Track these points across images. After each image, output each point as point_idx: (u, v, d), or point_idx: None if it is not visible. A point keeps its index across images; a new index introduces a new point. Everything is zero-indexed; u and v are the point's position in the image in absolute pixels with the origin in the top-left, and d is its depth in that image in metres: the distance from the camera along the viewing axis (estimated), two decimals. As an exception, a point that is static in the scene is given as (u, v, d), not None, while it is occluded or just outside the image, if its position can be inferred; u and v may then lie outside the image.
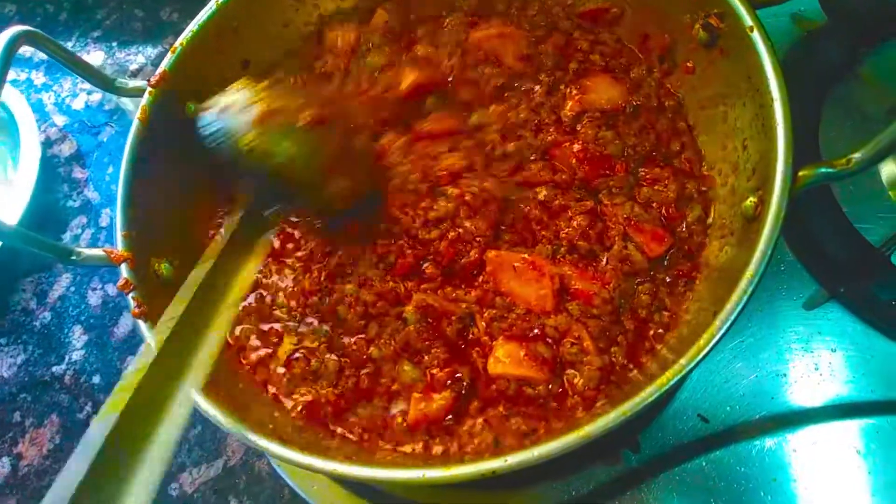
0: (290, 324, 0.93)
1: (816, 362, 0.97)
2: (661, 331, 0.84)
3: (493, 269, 0.89)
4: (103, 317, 1.25)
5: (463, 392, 0.85)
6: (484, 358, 0.86)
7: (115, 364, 1.20)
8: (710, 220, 0.89)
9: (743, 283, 0.71)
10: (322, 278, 0.93)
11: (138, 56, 1.51)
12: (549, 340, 0.85)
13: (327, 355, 0.89)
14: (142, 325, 0.83)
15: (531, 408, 0.83)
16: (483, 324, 0.87)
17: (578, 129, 0.96)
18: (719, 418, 0.96)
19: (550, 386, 0.83)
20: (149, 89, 0.93)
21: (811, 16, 1.14)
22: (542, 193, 0.92)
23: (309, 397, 0.86)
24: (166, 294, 0.89)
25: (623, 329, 0.85)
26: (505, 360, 0.84)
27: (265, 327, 0.93)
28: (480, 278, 0.90)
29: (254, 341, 0.93)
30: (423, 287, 0.90)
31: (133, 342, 1.21)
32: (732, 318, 0.70)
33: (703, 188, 0.91)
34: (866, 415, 0.93)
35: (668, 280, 0.87)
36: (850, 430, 0.93)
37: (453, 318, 0.88)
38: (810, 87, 1.09)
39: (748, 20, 0.82)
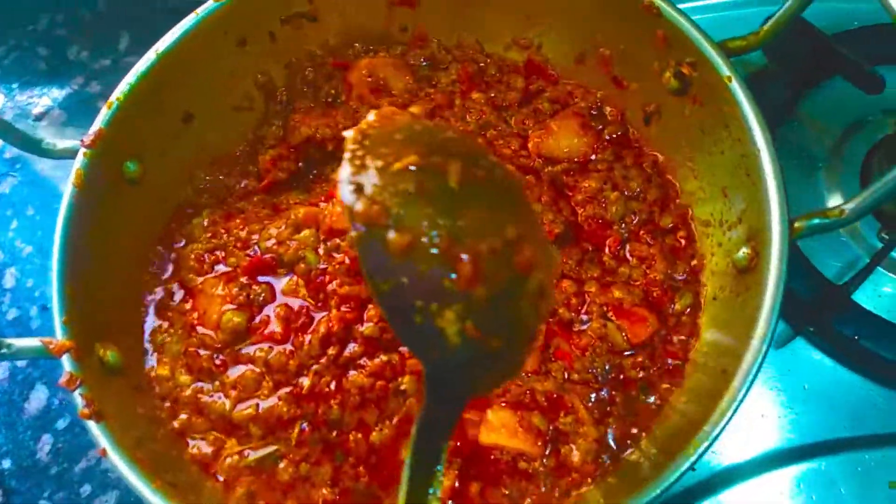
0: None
1: (790, 401, 0.98)
2: (653, 407, 0.82)
3: None
4: (12, 391, 1.11)
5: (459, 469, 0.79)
6: (475, 428, 0.81)
7: (29, 445, 1.06)
8: (702, 303, 0.86)
9: (755, 342, 0.70)
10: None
11: (42, 98, 1.37)
12: (544, 411, 0.81)
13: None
14: (93, 427, 0.72)
15: (531, 485, 0.79)
16: None
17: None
18: (706, 465, 0.94)
19: (545, 461, 0.79)
20: (83, 150, 0.82)
21: (752, 59, 1.17)
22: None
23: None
24: (115, 385, 0.79)
25: (612, 401, 0.82)
26: (500, 429, 0.80)
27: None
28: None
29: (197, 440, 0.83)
30: None
31: (47, 419, 1.08)
32: (751, 377, 0.68)
33: (694, 263, 0.89)
34: (842, 451, 0.95)
35: (657, 360, 0.84)
36: (831, 468, 0.94)
37: None
38: (756, 129, 1.12)
39: (725, 70, 0.83)
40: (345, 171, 0.48)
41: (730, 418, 0.67)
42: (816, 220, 0.75)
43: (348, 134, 0.50)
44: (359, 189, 0.47)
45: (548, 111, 0.99)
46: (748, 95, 0.81)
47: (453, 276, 0.47)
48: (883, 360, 0.98)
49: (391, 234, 0.46)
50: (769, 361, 1.01)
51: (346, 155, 0.48)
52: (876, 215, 1.05)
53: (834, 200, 1.10)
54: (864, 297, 1.02)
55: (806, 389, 0.99)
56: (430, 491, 0.55)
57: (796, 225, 0.75)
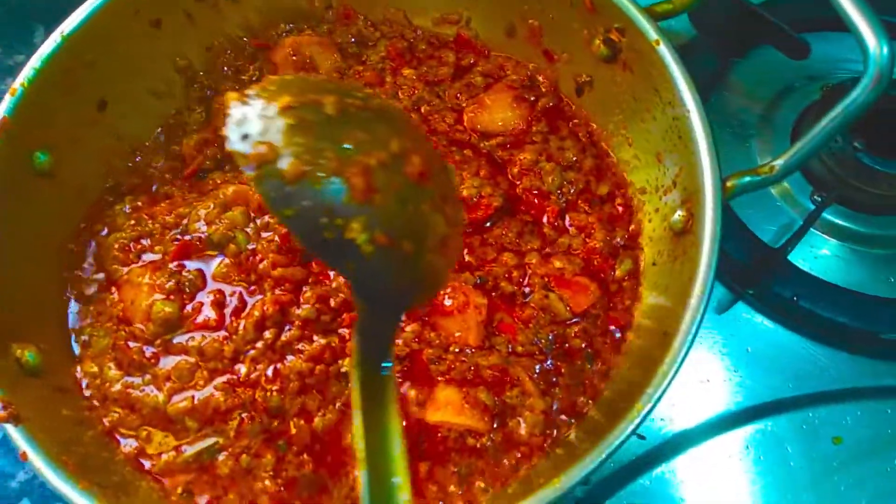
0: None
1: (734, 364, 0.99)
2: (598, 375, 0.81)
3: None
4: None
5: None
6: (421, 407, 0.79)
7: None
8: (641, 268, 0.86)
9: (693, 301, 0.70)
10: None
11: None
12: (490, 385, 0.79)
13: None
14: (11, 430, 0.68)
15: (480, 461, 0.77)
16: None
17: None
18: (656, 433, 0.95)
19: (493, 436, 0.78)
20: (-15, 140, 0.77)
21: (682, 31, 1.17)
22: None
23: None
24: (35, 386, 0.75)
25: (557, 371, 0.81)
26: (446, 406, 0.78)
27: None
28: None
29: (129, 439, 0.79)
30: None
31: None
32: (691, 336, 0.68)
33: (632, 228, 0.89)
34: (787, 411, 0.96)
35: (600, 327, 0.84)
36: (778, 428, 0.95)
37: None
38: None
39: (653, 34, 0.82)
40: (230, 126, 0.52)
41: (671, 379, 0.66)
42: (748, 178, 0.75)
43: (231, 94, 0.53)
44: (245, 137, 0.51)
45: (480, 85, 0.98)
46: (676, 59, 0.81)
47: (349, 190, 0.51)
48: (821, 319, 1.00)
49: (283, 165, 0.50)
50: (713, 327, 1.02)
51: (229, 112, 0.52)
52: (807, 177, 1.07)
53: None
54: (801, 259, 1.03)
55: (749, 352, 1.00)
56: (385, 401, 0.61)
57: (728, 184, 0.75)
